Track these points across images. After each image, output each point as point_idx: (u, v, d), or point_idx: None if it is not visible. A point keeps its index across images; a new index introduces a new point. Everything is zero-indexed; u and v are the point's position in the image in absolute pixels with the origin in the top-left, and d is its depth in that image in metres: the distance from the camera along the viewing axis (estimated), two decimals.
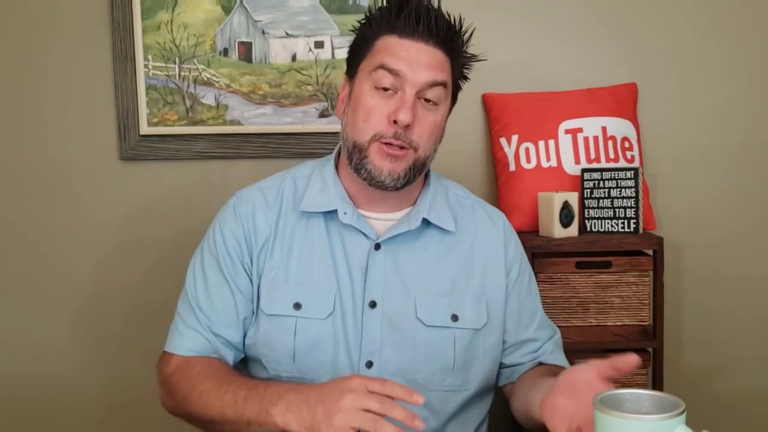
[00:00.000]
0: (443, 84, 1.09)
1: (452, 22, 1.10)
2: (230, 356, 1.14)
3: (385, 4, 1.12)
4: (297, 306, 1.10)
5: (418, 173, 1.12)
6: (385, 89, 1.08)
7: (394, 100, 1.07)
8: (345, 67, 1.18)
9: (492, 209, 1.26)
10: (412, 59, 1.07)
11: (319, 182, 1.17)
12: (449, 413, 1.15)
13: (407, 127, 1.06)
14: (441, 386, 1.12)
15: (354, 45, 1.15)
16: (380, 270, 1.12)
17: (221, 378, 1.05)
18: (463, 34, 1.13)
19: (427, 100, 1.09)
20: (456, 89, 1.17)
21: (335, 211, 1.13)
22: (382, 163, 1.08)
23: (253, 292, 1.14)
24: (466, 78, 1.18)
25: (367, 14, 1.13)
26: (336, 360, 1.10)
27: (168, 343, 1.15)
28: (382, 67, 1.07)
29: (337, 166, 1.19)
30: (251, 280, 1.14)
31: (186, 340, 1.13)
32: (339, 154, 1.20)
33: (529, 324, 1.22)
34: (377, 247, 1.13)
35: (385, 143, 1.07)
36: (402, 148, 1.08)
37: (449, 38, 1.09)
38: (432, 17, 1.07)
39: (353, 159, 1.10)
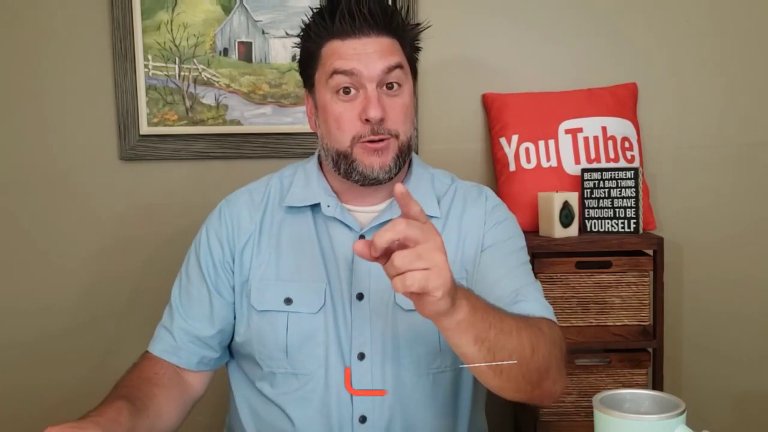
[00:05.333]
0: (399, 66, 1.09)
1: (386, 4, 1.10)
2: (194, 356, 1.16)
3: (315, 11, 1.12)
4: (288, 301, 1.11)
5: (405, 157, 1.13)
6: (347, 92, 1.08)
7: (359, 100, 1.08)
8: None
9: (475, 188, 1.23)
10: (361, 55, 1.07)
11: (302, 178, 1.19)
12: (443, 396, 1.14)
13: (381, 120, 1.07)
14: (430, 369, 1.12)
15: (302, 59, 1.15)
16: (365, 262, 1.09)
17: (126, 381, 1.10)
18: (400, 10, 1.13)
19: (390, 87, 1.09)
20: (413, 64, 1.16)
21: (319, 204, 1.15)
22: (371, 160, 1.09)
23: (236, 294, 1.15)
24: (419, 49, 1.17)
25: (303, 27, 1.13)
26: (328, 353, 1.10)
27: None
28: (335, 72, 1.08)
29: (320, 164, 1.20)
30: (234, 282, 1.15)
31: (156, 341, 1.18)
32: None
33: (496, 279, 1.11)
34: (362, 238, 1.12)
35: (367, 142, 1.08)
36: (382, 140, 1.08)
37: (388, 21, 1.09)
38: (364, 9, 1.07)
39: (341, 166, 1.11)
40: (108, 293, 1.75)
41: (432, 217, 1.16)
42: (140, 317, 1.73)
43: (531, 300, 1.09)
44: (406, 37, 1.13)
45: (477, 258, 1.16)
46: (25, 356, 1.74)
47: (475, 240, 1.17)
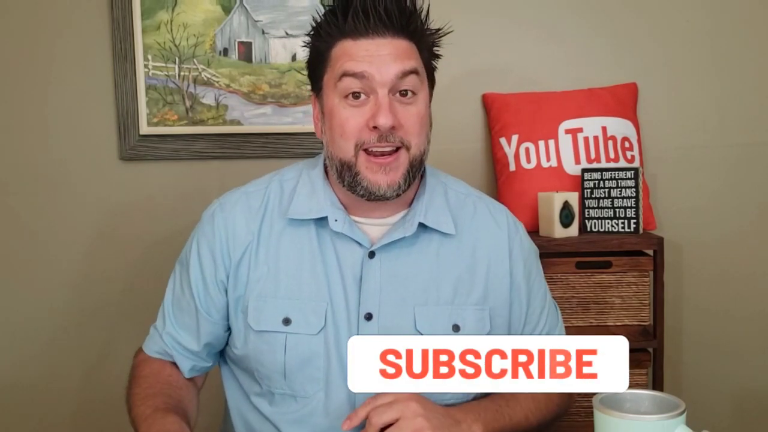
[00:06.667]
0: (414, 71, 1.01)
1: (404, 4, 1.02)
2: (186, 363, 1.12)
3: (327, 8, 1.05)
4: (286, 321, 1.04)
5: (417, 172, 1.05)
6: (356, 96, 1.00)
7: (368, 106, 1.00)
8: None
9: (495, 206, 1.18)
10: (374, 57, 0.99)
11: (307, 187, 1.10)
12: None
13: (392, 128, 0.99)
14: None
15: (310, 60, 1.08)
16: (375, 280, 1.05)
17: (153, 389, 1.07)
18: (420, 12, 1.05)
19: (404, 94, 1.01)
20: (431, 71, 1.09)
21: (326, 218, 1.06)
22: (376, 177, 1.01)
23: (230, 310, 1.10)
24: (437, 56, 1.10)
25: (313, 24, 1.06)
26: (329, 376, 1.04)
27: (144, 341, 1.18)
28: (345, 74, 1.00)
29: (326, 170, 1.11)
30: (227, 299, 1.09)
31: (150, 341, 1.15)
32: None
33: (534, 328, 1.16)
34: (371, 255, 1.06)
35: (371, 152, 1.01)
36: (396, 149, 1.01)
37: (406, 22, 1.01)
38: (380, 8, 0.99)
39: (345, 177, 1.03)
40: (108, 293, 1.74)
41: (446, 235, 1.10)
42: (139, 317, 1.72)
43: None
44: (425, 41, 1.06)
45: (508, 298, 1.12)
46: (24, 356, 1.74)
47: (501, 271, 1.12)
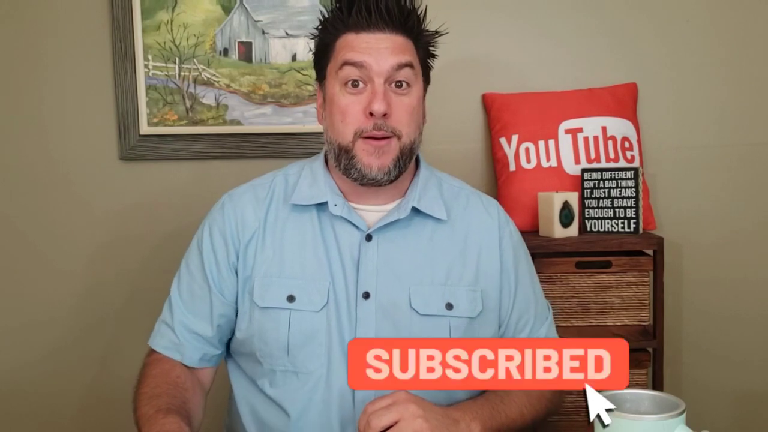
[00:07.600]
0: (409, 65, 1.11)
1: (403, 4, 1.12)
2: (195, 353, 1.16)
3: (336, 4, 1.14)
4: (290, 298, 1.11)
5: (407, 161, 1.13)
6: (355, 85, 1.09)
7: (365, 94, 1.09)
8: None
9: (487, 198, 1.26)
10: (373, 49, 1.09)
11: (309, 177, 1.18)
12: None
13: (385, 116, 1.08)
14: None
15: (317, 50, 1.17)
16: (372, 261, 1.13)
17: (159, 389, 1.09)
18: (419, 13, 1.14)
19: (398, 85, 1.10)
20: (426, 69, 1.18)
21: (326, 203, 1.15)
22: (369, 160, 1.09)
23: (238, 292, 1.16)
24: (433, 56, 1.19)
25: (321, 18, 1.15)
26: (330, 352, 1.10)
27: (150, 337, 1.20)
28: (345, 63, 1.09)
29: (326, 163, 1.20)
30: (237, 282, 1.15)
31: (157, 336, 1.18)
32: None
33: (521, 315, 1.21)
34: (368, 238, 1.14)
35: (368, 137, 1.09)
36: (384, 137, 1.09)
37: (404, 20, 1.11)
38: (382, 6, 1.09)
39: (342, 161, 1.12)
40: (108, 293, 1.75)
41: (439, 221, 1.17)
42: (140, 317, 1.72)
43: (543, 336, 1.22)
44: (421, 39, 1.15)
45: (499, 283, 1.18)
46: (25, 359, 1.74)
47: (491, 257, 1.19)
